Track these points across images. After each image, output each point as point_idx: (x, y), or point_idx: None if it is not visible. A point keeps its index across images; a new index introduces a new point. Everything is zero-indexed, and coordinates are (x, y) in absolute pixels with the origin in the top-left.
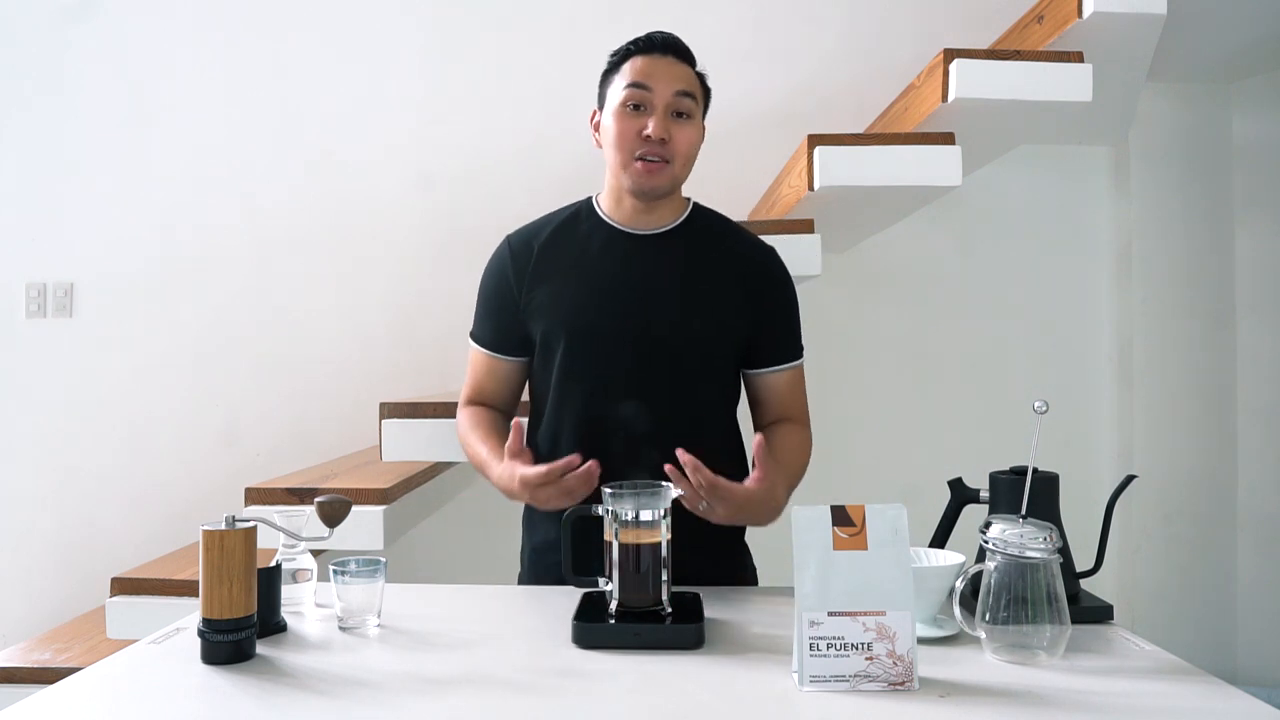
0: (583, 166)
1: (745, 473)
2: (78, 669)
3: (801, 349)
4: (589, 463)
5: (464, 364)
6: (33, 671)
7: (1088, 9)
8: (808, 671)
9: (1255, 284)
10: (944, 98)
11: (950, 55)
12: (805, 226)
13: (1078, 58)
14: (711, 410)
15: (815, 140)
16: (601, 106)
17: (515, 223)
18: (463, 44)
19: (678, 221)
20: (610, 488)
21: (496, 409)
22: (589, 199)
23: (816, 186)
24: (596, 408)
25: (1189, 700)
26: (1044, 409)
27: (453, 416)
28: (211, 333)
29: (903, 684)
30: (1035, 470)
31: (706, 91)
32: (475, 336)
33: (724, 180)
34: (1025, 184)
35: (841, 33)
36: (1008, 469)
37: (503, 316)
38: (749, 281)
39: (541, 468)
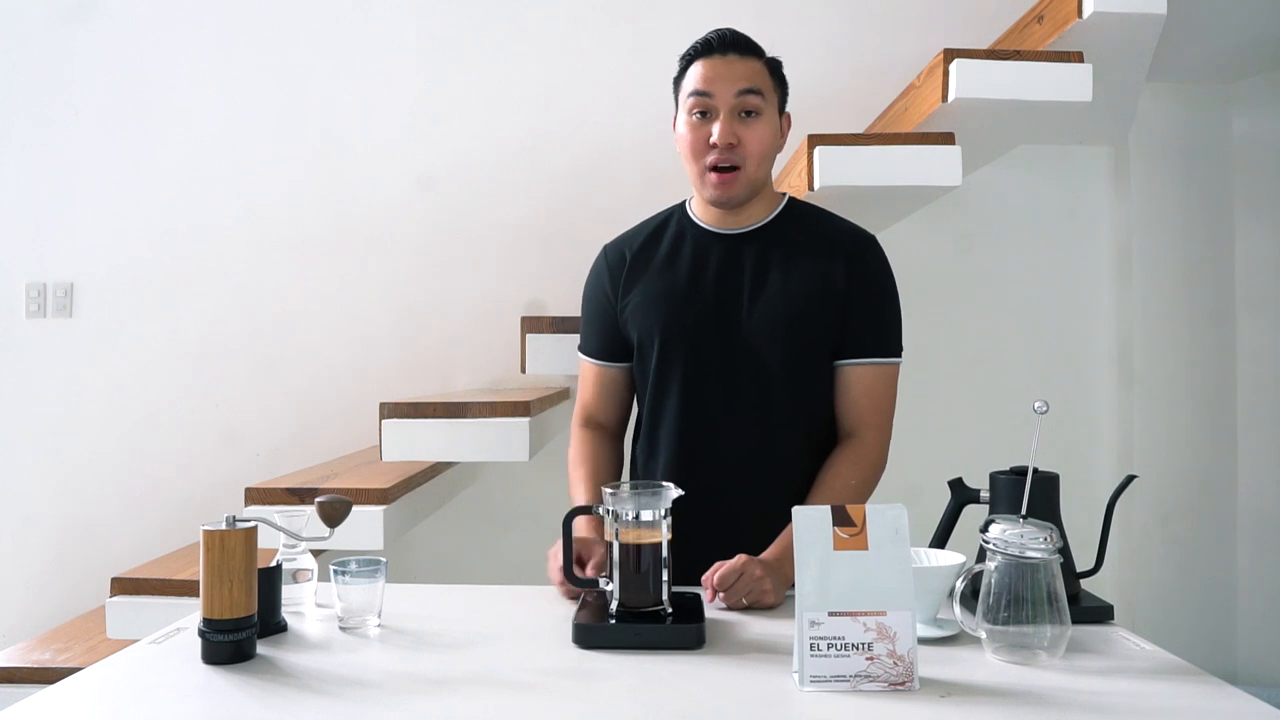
0: (583, 167)
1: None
2: (78, 669)
3: (895, 349)
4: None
5: (464, 364)
6: (33, 671)
7: (1088, 9)
8: (808, 671)
9: (1255, 284)
10: (944, 98)
11: (950, 55)
12: None
13: (1078, 58)
14: (806, 408)
15: (815, 140)
16: (677, 113)
17: (515, 223)
18: (463, 43)
19: (769, 218)
20: (610, 488)
21: (606, 429)
22: (683, 203)
23: (816, 187)
24: (691, 410)
25: (1189, 700)
26: (1044, 409)
27: (453, 416)
28: (211, 333)
29: (903, 684)
30: (1035, 470)
31: (781, 81)
32: (582, 347)
33: None
34: (1025, 184)
35: (841, 33)
36: (1008, 469)
37: (605, 325)
38: (839, 271)
39: (562, 574)
